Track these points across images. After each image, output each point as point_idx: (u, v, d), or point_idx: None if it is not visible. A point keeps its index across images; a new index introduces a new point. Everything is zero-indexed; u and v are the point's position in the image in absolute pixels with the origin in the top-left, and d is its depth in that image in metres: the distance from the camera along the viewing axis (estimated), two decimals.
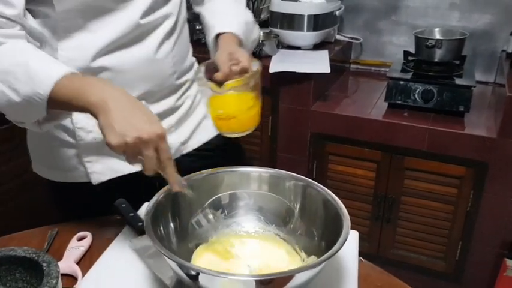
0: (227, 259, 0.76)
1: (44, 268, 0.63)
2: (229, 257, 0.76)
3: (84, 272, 0.77)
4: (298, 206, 0.82)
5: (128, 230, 0.86)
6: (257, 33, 1.10)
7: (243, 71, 0.85)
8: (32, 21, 0.82)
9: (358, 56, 2.27)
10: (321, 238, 0.75)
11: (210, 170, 0.86)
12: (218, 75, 0.84)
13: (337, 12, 2.04)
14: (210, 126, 1.07)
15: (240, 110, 0.84)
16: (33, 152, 1.02)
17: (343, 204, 0.73)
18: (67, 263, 0.79)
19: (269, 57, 1.89)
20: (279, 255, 0.78)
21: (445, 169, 1.68)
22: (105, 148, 0.68)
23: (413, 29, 1.94)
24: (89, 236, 0.87)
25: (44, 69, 0.73)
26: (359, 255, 0.81)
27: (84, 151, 0.93)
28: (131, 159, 0.68)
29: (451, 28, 1.96)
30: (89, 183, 0.95)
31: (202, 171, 0.83)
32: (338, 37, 2.17)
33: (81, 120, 0.90)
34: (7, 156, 1.71)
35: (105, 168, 0.94)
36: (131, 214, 0.87)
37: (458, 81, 1.74)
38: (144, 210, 0.87)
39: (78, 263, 0.80)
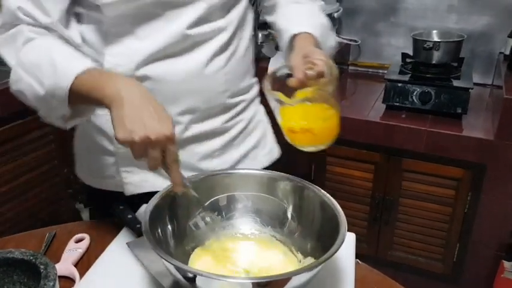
0: (224, 261, 0.76)
1: (42, 270, 0.63)
2: (226, 260, 0.76)
3: (82, 274, 0.77)
4: (295, 208, 0.82)
5: (125, 231, 0.86)
6: (333, 40, 0.99)
7: (320, 76, 0.76)
8: (74, 29, 0.83)
9: (356, 57, 2.27)
10: (318, 240, 0.75)
11: (208, 171, 0.86)
12: (292, 82, 0.76)
13: (335, 14, 2.04)
14: (258, 158, 1.03)
15: (314, 122, 0.75)
16: (77, 156, 1.02)
17: (341, 206, 0.73)
18: (65, 265, 0.79)
19: (268, 58, 1.90)
20: (276, 257, 0.78)
21: (442, 171, 1.68)
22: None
23: (412, 31, 1.95)
24: (86, 238, 0.87)
25: (66, 62, 0.74)
26: (357, 257, 0.82)
27: (122, 160, 0.91)
28: (137, 156, 0.68)
29: (449, 30, 1.97)
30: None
31: (200, 173, 0.83)
32: (336, 39, 2.18)
33: None
34: (7, 157, 1.71)
35: (141, 181, 0.92)
36: (129, 216, 0.87)
37: (456, 83, 1.75)
38: (142, 212, 0.87)
39: (76, 265, 0.80)
